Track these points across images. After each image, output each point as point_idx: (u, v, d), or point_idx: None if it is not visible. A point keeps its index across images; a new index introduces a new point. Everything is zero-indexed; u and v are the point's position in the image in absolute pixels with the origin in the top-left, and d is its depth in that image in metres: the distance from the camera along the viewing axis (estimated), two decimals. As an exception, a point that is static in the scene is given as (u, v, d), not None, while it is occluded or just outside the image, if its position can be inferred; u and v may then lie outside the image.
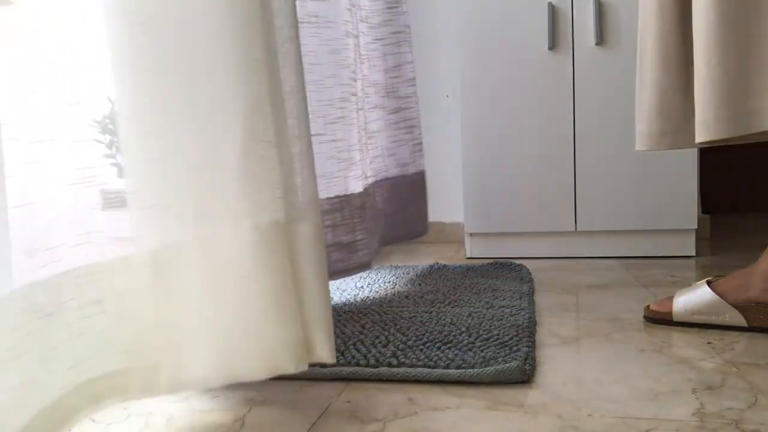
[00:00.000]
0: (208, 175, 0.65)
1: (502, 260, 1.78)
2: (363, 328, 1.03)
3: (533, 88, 1.74)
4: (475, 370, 0.81)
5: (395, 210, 1.51)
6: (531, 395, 0.76)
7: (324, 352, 0.71)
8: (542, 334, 1.02)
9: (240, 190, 0.65)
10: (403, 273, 1.55)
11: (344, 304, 1.22)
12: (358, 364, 0.86)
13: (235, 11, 0.63)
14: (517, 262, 1.74)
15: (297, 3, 1.11)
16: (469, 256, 1.85)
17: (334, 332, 1.00)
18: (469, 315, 1.08)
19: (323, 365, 0.86)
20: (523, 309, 1.11)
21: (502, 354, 0.86)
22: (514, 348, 0.88)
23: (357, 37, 1.26)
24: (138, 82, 0.63)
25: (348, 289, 1.38)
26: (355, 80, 1.26)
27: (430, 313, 1.12)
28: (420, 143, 1.59)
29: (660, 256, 1.72)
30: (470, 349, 0.89)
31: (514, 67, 1.75)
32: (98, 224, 0.62)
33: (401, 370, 0.83)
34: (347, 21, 1.23)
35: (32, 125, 0.54)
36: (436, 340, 0.94)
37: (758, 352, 0.88)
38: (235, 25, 0.63)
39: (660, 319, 1.04)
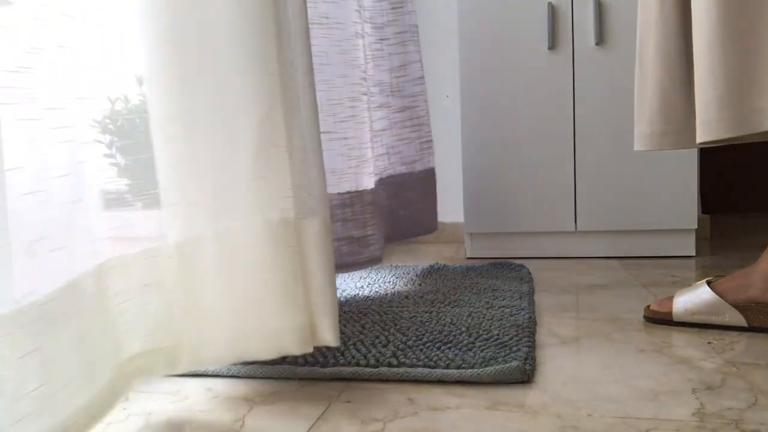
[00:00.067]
0: (224, 175, 0.72)
1: (502, 260, 1.78)
2: (363, 328, 1.03)
3: (533, 88, 1.74)
4: (475, 370, 0.81)
5: (399, 207, 1.52)
6: (531, 395, 0.76)
7: (328, 335, 0.77)
8: (542, 334, 1.02)
9: (252, 189, 0.73)
10: (403, 273, 1.55)
11: (344, 304, 1.22)
12: (358, 364, 0.86)
13: (252, 34, 0.71)
14: (517, 262, 1.74)
15: (309, 4, 1.13)
16: (469, 256, 1.85)
17: (334, 332, 1.01)
18: (469, 315, 1.08)
19: (323, 366, 0.86)
20: (523, 309, 1.11)
21: (502, 354, 0.86)
22: (514, 348, 0.88)
23: (363, 37, 1.27)
24: (167, 91, 0.70)
25: (348, 289, 1.38)
26: (365, 80, 1.27)
27: (430, 313, 1.12)
28: (429, 141, 1.59)
29: (660, 256, 1.72)
30: (470, 349, 0.89)
31: (514, 67, 1.75)
32: (98, 224, 0.62)
33: (401, 370, 0.83)
34: (356, 22, 1.25)
35: (32, 125, 0.55)
36: (436, 340, 0.94)
37: (758, 352, 0.88)
38: (251, 45, 0.71)
39: (660, 319, 1.04)
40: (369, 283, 1.43)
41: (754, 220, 2.58)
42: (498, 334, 0.95)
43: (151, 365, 0.71)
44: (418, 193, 1.54)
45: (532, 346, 0.91)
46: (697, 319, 1.01)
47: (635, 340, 0.97)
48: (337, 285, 1.43)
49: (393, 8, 1.52)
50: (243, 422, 0.72)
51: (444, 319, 1.06)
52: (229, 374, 0.88)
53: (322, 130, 1.21)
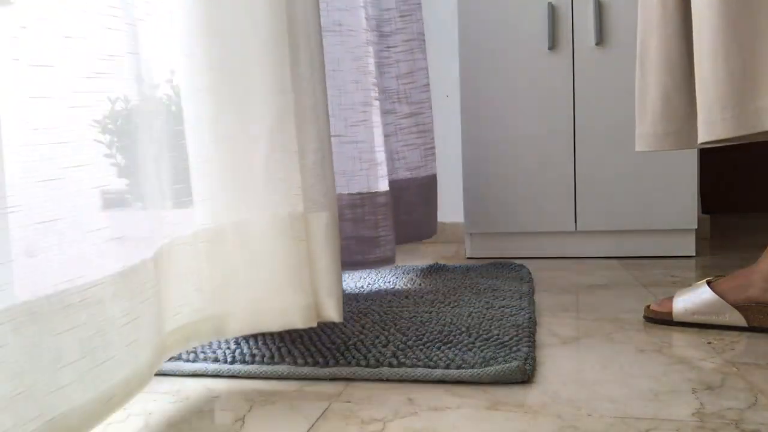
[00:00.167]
0: (243, 175, 0.84)
1: (502, 260, 1.78)
2: (363, 328, 1.03)
3: (533, 88, 1.74)
4: (475, 370, 0.81)
5: (402, 212, 1.53)
6: (531, 395, 0.76)
7: (332, 313, 0.89)
8: (542, 334, 1.02)
9: (266, 188, 0.84)
10: (403, 273, 1.55)
11: (344, 304, 1.22)
12: (358, 364, 0.86)
13: (267, 54, 0.84)
14: (517, 262, 1.74)
15: (322, 13, 1.18)
16: (469, 256, 1.85)
17: (334, 332, 1.01)
18: (469, 315, 1.08)
19: (323, 366, 0.86)
20: (523, 309, 1.11)
21: (502, 354, 0.86)
22: (514, 348, 0.88)
23: (372, 45, 1.29)
24: (198, 99, 0.81)
25: (348, 289, 1.38)
26: (376, 86, 1.30)
27: (430, 313, 1.12)
28: (433, 147, 1.62)
29: (660, 256, 1.72)
30: (470, 349, 0.89)
31: (514, 67, 1.75)
32: (98, 224, 0.63)
33: (401, 370, 0.83)
34: (366, 30, 1.27)
35: (32, 125, 0.55)
36: (436, 340, 0.94)
37: (758, 352, 0.88)
38: (266, 64, 0.84)
39: (660, 319, 1.04)
40: (369, 283, 1.43)
41: (754, 220, 2.58)
42: (498, 334, 0.95)
43: (183, 339, 0.81)
44: (420, 198, 1.56)
45: (532, 346, 0.91)
46: (697, 319, 1.01)
47: (635, 340, 0.97)
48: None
49: (402, 16, 1.54)
50: (243, 422, 0.72)
51: (444, 319, 1.06)
52: (229, 374, 0.88)
53: (333, 133, 1.28)
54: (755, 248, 1.83)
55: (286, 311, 0.85)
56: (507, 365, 0.81)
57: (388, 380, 0.83)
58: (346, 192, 1.30)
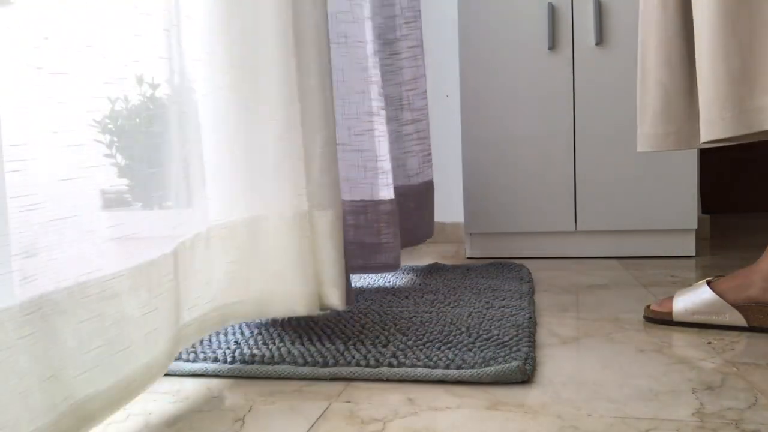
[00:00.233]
0: (254, 176, 0.92)
1: (502, 260, 1.78)
2: (363, 328, 1.03)
3: (533, 88, 1.74)
4: (475, 370, 0.81)
5: (401, 219, 1.55)
6: (531, 395, 0.76)
7: (335, 301, 0.97)
8: (542, 334, 1.02)
9: (274, 189, 0.93)
10: (403, 273, 1.55)
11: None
12: (358, 364, 0.86)
13: (277, 65, 0.92)
14: (517, 262, 1.74)
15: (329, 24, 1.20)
16: (469, 256, 1.85)
17: (334, 332, 1.01)
18: (469, 315, 1.08)
19: (323, 366, 0.86)
20: (523, 309, 1.11)
21: (502, 354, 0.86)
22: (514, 348, 0.88)
23: (379, 53, 1.31)
24: (218, 96, 0.87)
25: (348, 289, 1.38)
26: (382, 95, 1.32)
27: (430, 313, 1.12)
28: (429, 154, 1.63)
29: (660, 256, 1.72)
30: (470, 349, 0.89)
31: (514, 67, 1.75)
32: (98, 224, 0.63)
33: (401, 370, 0.83)
34: (373, 40, 1.29)
35: (32, 125, 0.55)
36: (436, 340, 0.94)
37: (758, 352, 0.88)
38: (276, 75, 0.92)
39: (660, 319, 1.04)
40: (369, 283, 1.43)
41: (754, 220, 2.58)
42: (498, 334, 0.95)
43: (198, 330, 0.85)
44: (417, 204, 1.57)
45: (532, 346, 0.91)
46: (697, 319, 1.01)
47: (635, 340, 0.97)
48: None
49: (407, 23, 1.56)
50: (243, 422, 0.72)
51: (444, 319, 1.06)
52: (229, 374, 0.88)
53: (337, 142, 1.31)
54: (755, 248, 1.83)
55: (290, 299, 0.94)
56: (507, 365, 0.81)
57: (388, 380, 0.83)
58: (348, 199, 1.32)
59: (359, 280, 1.48)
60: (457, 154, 2.23)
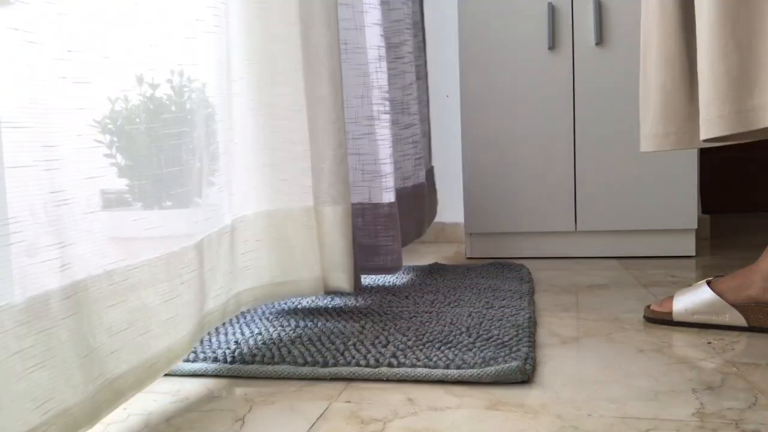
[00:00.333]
0: (265, 176, 1.03)
1: (502, 260, 1.78)
2: (363, 328, 1.03)
3: (533, 88, 1.75)
4: (475, 370, 0.81)
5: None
6: (531, 395, 0.76)
7: (344, 284, 1.12)
8: (542, 334, 1.02)
9: (281, 187, 1.05)
10: (403, 273, 1.55)
11: (344, 305, 1.22)
12: (358, 364, 0.86)
13: (291, 75, 1.06)
14: (517, 262, 1.74)
15: None
16: (469, 256, 1.85)
17: (334, 332, 1.01)
18: (469, 315, 1.08)
19: (323, 366, 0.86)
20: (523, 309, 1.11)
21: (502, 354, 0.86)
22: (514, 348, 0.88)
23: (384, 59, 1.34)
24: (234, 102, 0.95)
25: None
26: (387, 99, 1.33)
27: (430, 313, 1.12)
28: (421, 157, 1.64)
29: (660, 256, 1.72)
30: (470, 349, 0.89)
31: (514, 67, 1.75)
32: (98, 224, 0.63)
33: (401, 370, 0.83)
34: (380, 46, 1.31)
35: (32, 125, 0.55)
36: (436, 340, 0.94)
37: (758, 352, 0.88)
38: (289, 84, 1.05)
39: (660, 319, 1.04)
40: (369, 284, 1.43)
41: (754, 220, 2.58)
42: (498, 334, 0.95)
43: (219, 316, 0.91)
44: (409, 207, 1.58)
45: (532, 346, 0.91)
46: (697, 319, 1.01)
47: (635, 340, 0.97)
48: (337, 285, 1.44)
49: (407, 28, 1.57)
50: (243, 422, 0.72)
51: (444, 319, 1.06)
52: (229, 374, 0.88)
53: None
54: (755, 248, 1.83)
55: (297, 284, 1.08)
56: (507, 365, 0.81)
57: (388, 380, 0.83)
58: None
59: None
60: (457, 154, 2.23)
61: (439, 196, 2.27)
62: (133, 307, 0.67)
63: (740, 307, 0.98)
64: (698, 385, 0.77)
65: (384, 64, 1.32)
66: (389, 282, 1.44)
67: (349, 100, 1.30)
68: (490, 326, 1.00)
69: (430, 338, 0.95)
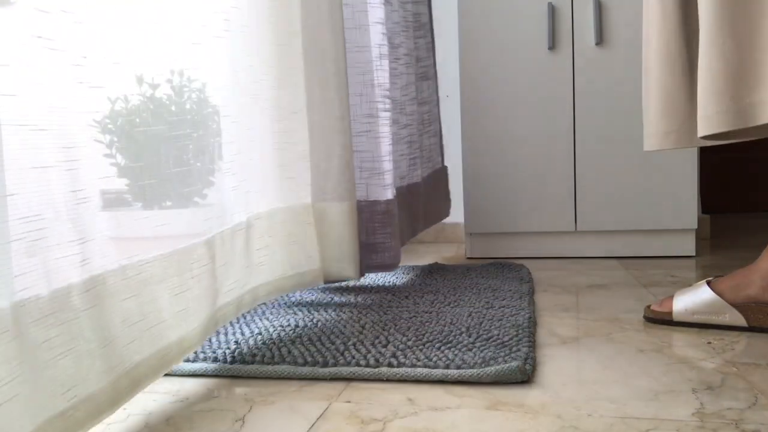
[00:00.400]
0: (269, 177, 1.07)
1: (502, 260, 1.78)
2: (363, 328, 1.03)
3: (533, 88, 1.75)
4: (475, 370, 0.81)
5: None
6: (531, 395, 0.76)
7: (350, 272, 1.21)
8: (542, 334, 1.02)
9: (284, 187, 1.10)
10: (403, 273, 1.55)
11: (344, 304, 1.22)
12: (358, 364, 0.86)
13: (290, 81, 1.12)
14: (517, 262, 1.74)
15: None
16: (469, 256, 1.85)
17: (334, 332, 1.01)
18: (469, 315, 1.08)
19: (323, 366, 0.86)
20: (523, 309, 1.11)
21: (502, 354, 0.86)
22: (514, 348, 0.88)
23: (386, 57, 1.35)
24: (248, 104, 0.99)
25: (348, 289, 1.38)
26: (387, 98, 1.33)
27: (430, 313, 1.12)
28: (416, 157, 1.64)
29: (660, 256, 1.72)
30: (470, 349, 0.89)
31: (514, 67, 1.75)
32: (97, 224, 0.63)
33: (401, 370, 0.83)
34: (381, 44, 1.31)
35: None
36: (436, 340, 0.94)
37: (758, 352, 0.88)
38: (286, 96, 1.10)
39: (660, 319, 1.04)
40: (369, 283, 1.43)
41: (754, 220, 2.58)
42: (498, 334, 0.95)
43: (234, 309, 0.94)
44: (403, 206, 1.58)
45: (532, 346, 0.91)
46: (697, 319, 1.01)
47: (635, 340, 0.97)
48: (338, 285, 1.43)
49: (404, 30, 1.57)
50: (243, 422, 0.72)
51: (444, 319, 1.06)
52: (229, 374, 0.88)
53: None
54: (755, 248, 1.83)
55: (301, 276, 1.14)
56: (507, 365, 0.81)
57: (388, 380, 0.83)
58: None
59: (359, 280, 1.48)
60: (457, 154, 2.23)
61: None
62: (146, 300, 0.70)
63: (740, 306, 0.98)
64: (698, 385, 0.77)
65: (386, 62, 1.32)
66: (389, 282, 1.44)
67: (349, 97, 1.30)
68: (490, 326, 1.00)
69: (430, 338, 0.95)
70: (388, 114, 1.32)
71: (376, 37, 1.30)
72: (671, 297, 1.05)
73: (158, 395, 0.82)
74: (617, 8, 1.68)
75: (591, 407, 0.72)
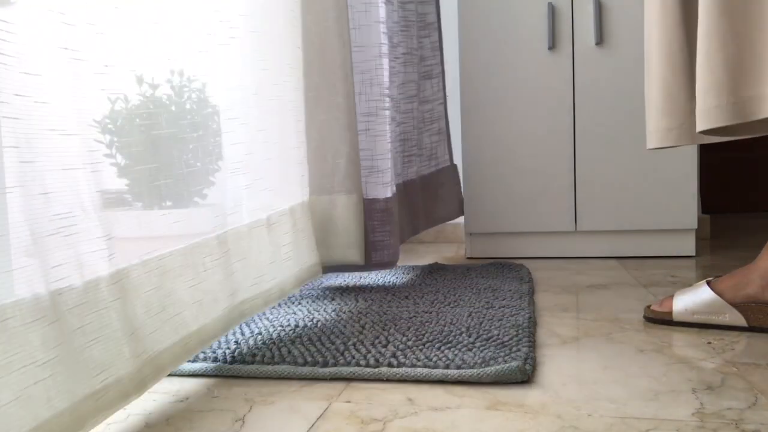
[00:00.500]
0: (272, 178, 1.09)
1: (502, 260, 1.78)
2: (363, 328, 1.03)
3: (533, 88, 1.74)
4: (475, 370, 0.81)
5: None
6: (531, 395, 0.76)
7: (356, 258, 1.30)
8: (542, 334, 1.02)
9: (285, 186, 1.14)
10: (403, 273, 1.55)
11: (344, 304, 1.22)
12: (358, 364, 0.86)
13: (297, 92, 1.19)
14: (517, 262, 1.74)
15: None
16: (469, 256, 1.85)
17: (334, 332, 1.01)
18: (469, 315, 1.08)
19: (323, 366, 0.86)
20: (523, 309, 1.11)
21: (502, 354, 0.86)
22: (514, 348, 0.88)
23: (387, 56, 1.36)
24: (244, 125, 1.01)
25: (348, 289, 1.38)
26: (387, 96, 1.34)
27: (430, 313, 1.12)
28: (411, 155, 1.64)
29: (660, 256, 1.72)
30: (470, 349, 0.89)
31: (514, 66, 1.75)
32: (97, 224, 0.63)
33: (401, 370, 0.83)
34: (383, 44, 1.32)
35: (32, 125, 0.55)
36: (436, 340, 0.94)
37: (758, 352, 0.88)
38: (291, 101, 1.16)
39: (660, 319, 1.04)
40: (369, 283, 1.43)
41: (754, 220, 2.58)
42: (498, 334, 0.95)
43: (262, 303, 1.00)
44: (400, 203, 1.58)
45: (532, 346, 0.91)
46: (697, 319, 1.01)
47: (635, 340, 0.97)
48: (338, 285, 1.43)
49: (402, 30, 1.57)
50: (243, 422, 0.72)
51: (444, 319, 1.06)
52: (229, 374, 0.88)
53: None
54: (755, 248, 1.83)
55: (301, 271, 1.17)
56: (507, 365, 0.81)
57: (388, 380, 0.83)
58: None
59: (359, 280, 1.48)
60: (457, 154, 2.23)
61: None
62: (165, 292, 0.75)
63: (740, 306, 0.98)
64: (698, 385, 0.77)
65: (386, 61, 1.32)
66: (389, 282, 1.44)
67: None
68: (490, 326, 1.00)
69: (430, 338, 0.95)
70: (387, 113, 1.32)
71: (377, 36, 1.30)
72: (671, 297, 1.05)
73: (158, 395, 0.82)
74: (617, 8, 1.68)
75: (591, 407, 0.72)
